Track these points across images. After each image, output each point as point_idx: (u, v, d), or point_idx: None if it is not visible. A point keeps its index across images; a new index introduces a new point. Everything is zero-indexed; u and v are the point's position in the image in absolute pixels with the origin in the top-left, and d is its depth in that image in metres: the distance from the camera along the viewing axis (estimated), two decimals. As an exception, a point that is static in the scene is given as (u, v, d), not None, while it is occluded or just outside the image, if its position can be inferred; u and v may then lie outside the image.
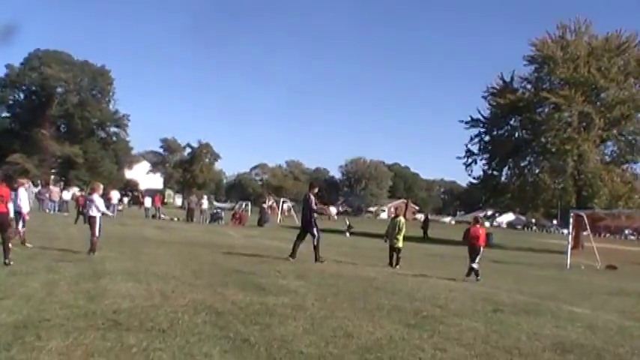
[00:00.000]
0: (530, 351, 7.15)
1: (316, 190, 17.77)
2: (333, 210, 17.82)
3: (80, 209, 30.38)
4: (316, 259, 16.31)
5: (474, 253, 15.26)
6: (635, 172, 44.33)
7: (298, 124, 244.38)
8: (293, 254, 16.56)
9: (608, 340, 8.14)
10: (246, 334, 6.92)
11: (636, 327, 9.52)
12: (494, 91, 45.84)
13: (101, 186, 17.05)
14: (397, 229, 17.51)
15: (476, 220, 16.61)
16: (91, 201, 15.65)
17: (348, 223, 45.29)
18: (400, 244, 17.44)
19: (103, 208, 15.74)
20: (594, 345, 7.76)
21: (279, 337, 6.89)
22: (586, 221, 29.91)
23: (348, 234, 40.96)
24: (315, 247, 16.60)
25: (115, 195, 44.07)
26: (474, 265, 15.11)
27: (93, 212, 15.46)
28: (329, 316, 8.46)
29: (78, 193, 47.46)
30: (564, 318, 9.86)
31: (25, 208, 16.23)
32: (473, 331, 8.12)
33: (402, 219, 18.08)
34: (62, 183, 78.01)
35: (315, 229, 16.78)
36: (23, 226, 16.15)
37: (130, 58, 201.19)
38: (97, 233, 15.05)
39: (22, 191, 16.83)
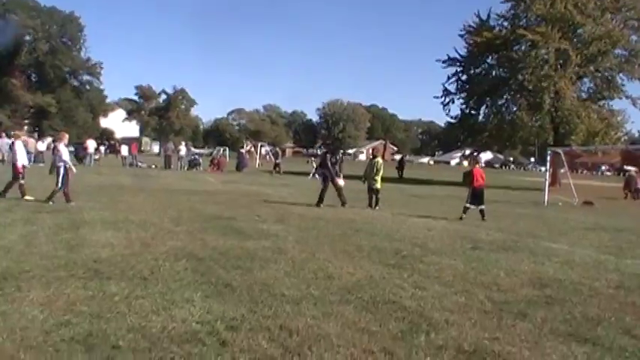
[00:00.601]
0: (509, 287, 7.30)
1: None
2: (341, 182, 17.92)
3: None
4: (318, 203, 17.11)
5: (482, 195, 15.53)
6: (611, 109, 44.62)
7: (274, 67, 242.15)
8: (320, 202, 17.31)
9: (584, 274, 8.32)
10: (227, 279, 6.97)
11: (611, 261, 9.73)
12: (471, 29, 45.51)
13: (66, 135, 16.70)
14: (375, 170, 17.54)
15: (476, 161, 16.76)
16: (57, 150, 15.42)
17: (315, 165, 45.27)
18: (378, 185, 17.51)
19: (66, 157, 15.45)
20: (571, 279, 7.94)
21: (260, 281, 6.96)
22: (563, 158, 30.17)
23: (316, 176, 41.03)
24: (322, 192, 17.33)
25: (91, 144, 43.65)
26: (483, 207, 15.40)
27: (57, 162, 15.33)
28: (309, 259, 8.54)
29: (53, 143, 46.83)
30: (542, 254, 10.04)
31: (21, 162, 15.84)
32: (452, 269, 8.25)
33: (379, 160, 18.09)
34: (36, 133, 76.86)
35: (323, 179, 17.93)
36: (22, 178, 15.73)
37: (99, 3, 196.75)
38: (59, 183, 14.92)
39: (18, 144, 16.51)
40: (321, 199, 17.11)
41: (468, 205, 15.47)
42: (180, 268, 7.54)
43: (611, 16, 41.77)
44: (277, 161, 43.80)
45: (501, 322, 5.64)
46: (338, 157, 18.70)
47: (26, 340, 4.58)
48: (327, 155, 18.50)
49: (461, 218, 15.11)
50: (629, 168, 39.35)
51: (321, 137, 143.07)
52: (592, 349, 4.98)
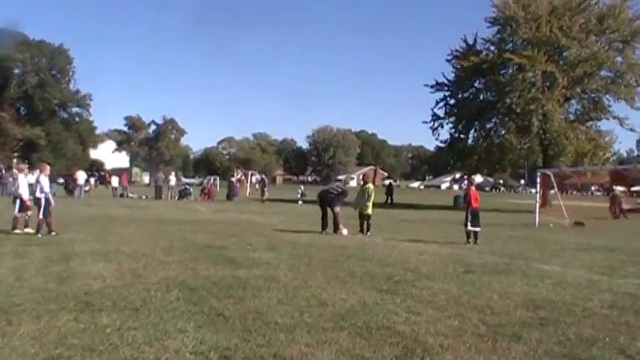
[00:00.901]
0: (502, 309, 7.29)
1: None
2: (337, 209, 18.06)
3: None
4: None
5: (478, 216, 15.61)
6: (599, 130, 44.99)
7: (263, 96, 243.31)
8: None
9: (577, 295, 8.32)
10: (220, 308, 6.94)
11: (604, 281, 9.74)
12: (458, 54, 46.01)
13: (47, 167, 16.70)
14: (367, 196, 17.58)
15: (471, 182, 16.93)
16: (37, 182, 15.48)
17: (300, 190, 45.28)
18: (370, 210, 17.54)
19: (47, 189, 15.48)
20: (564, 300, 7.94)
21: (253, 310, 6.92)
22: (553, 180, 30.36)
23: (300, 202, 41.05)
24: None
25: (81, 176, 43.59)
26: (479, 229, 15.48)
27: (37, 193, 15.33)
28: (302, 286, 8.51)
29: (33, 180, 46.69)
30: (534, 276, 10.05)
31: (25, 195, 15.83)
32: (445, 293, 8.24)
33: (370, 186, 18.14)
34: (26, 167, 76.60)
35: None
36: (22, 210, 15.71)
37: (87, 36, 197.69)
38: (41, 214, 14.99)
39: (21, 177, 16.50)
40: (324, 225, 17.40)
41: (470, 227, 15.50)
42: (173, 298, 7.49)
43: (596, 38, 42.34)
44: (264, 189, 43.82)
45: (496, 344, 5.62)
46: (341, 187, 19.10)
47: (17, 375, 4.53)
48: (333, 189, 18.72)
49: (468, 241, 15.19)
50: (618, 188, 39.65)
51: (311, 164, 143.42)
52: (587, 370, 4.97)
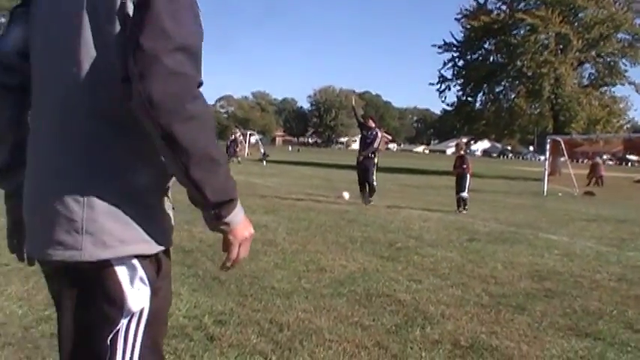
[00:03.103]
0: (507, 279, 7.32)
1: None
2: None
3: None
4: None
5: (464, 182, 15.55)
6: (613, 96, 44.81)
7: (264, 52, 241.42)
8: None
9: (585, 267, 8.35)
10: (215, 272, 6.95)
11: (613, 253, 9.77)
12: (468, 12, 45.65)
13: None
14: None
15: (460, 147, 16.86)
16: None
17: (262, 151, 45.27)
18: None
19: None
20: (572, 272, 7.96)
21: (249, 274, 6.94)
22: (563, 147, 30.28)
23: (264, 162, 41.11)
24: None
25: None
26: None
27: None
28: (301, 251, 8.54)
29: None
30: (541, 246, 10.08)
31: None
32: (448, 261, 8.27)
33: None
34: None
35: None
36: None
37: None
38: None
39: None
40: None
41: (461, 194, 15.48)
42: (166, 260, 7.50)
43: (614, -2, 41.89)
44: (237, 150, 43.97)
45: (499, 316, 5.65)
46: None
47: (4, 337, 4.55)
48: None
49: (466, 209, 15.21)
50: (631, 157, 39.94)
51: (312, 125, 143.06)
52: (593, 343, 4.99)
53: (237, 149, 44.57)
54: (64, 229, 1.63)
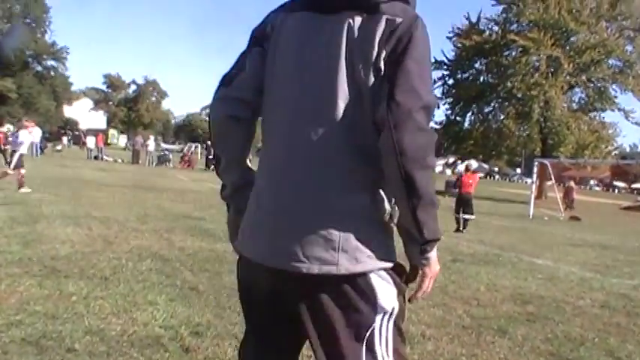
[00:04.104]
0: (489, 302, 7.33)
1: None
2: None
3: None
4: None
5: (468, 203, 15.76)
6: (602, 121, 45.19)
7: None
8: None
9: (568, 292, 8.39)
10: (194, 282, 6.93)
11: (597, 279, 9.83)
12: (460, 31, 45.99)
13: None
14: None
15: (467, 168, 17.08)
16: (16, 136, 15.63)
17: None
18: None
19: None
20: (554, 297, 8.00)
21: (229, 285, 6.90)
22: (550, 171, 30.52)
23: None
24: None
25: (36, 132, 41.09)
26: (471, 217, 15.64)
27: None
28: (282, 265, 8.50)
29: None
30: (525, 269, 10.13)
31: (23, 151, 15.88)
32: (431, 281, 8.25)
33: None
34: (-6, 120, 75.76)
35: None
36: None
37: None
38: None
39: (22, 133, 16.47)
40: None
41: (461, 215, 15.64)
42: (145, 268, 7.47)
43: (607, 24, 42.41)
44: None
45: (480, 338, 5.66)
46: None
47: (-26, 340, 4.50)
48: None
49: (458, 229, 15.36)
50: (618, 184, 40.27)
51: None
52: (574, 369, 5.02)
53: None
54: (323, 247, 1.93)
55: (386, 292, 1.99)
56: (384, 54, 1.93)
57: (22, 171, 15.66)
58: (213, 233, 11.03)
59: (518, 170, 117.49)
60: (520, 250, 12.71)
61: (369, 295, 1.96)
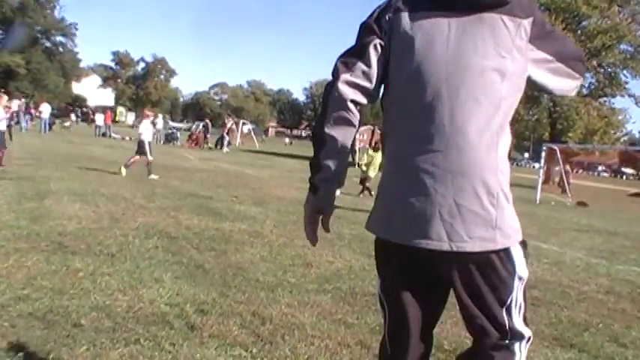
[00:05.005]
0: (494, 285, 7.32)
1: None
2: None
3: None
4: None
5: None
6: (612, 107, 44.89)
7: (261, 41, 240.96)
8: None
9: (573, 277, 8.38)
10: (200, 260, 6.96)
11: (603, 264, 9.82)
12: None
13: (4, 97, 17.32)
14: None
15: None
16: None
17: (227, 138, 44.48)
18: (370, 173, 17.80)
19: None
20: (560, 282, 7.99)
21: (234, 264, 6.95)
22: (559, 156, 30.39)
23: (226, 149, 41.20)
24: None
25: (45, 108, 41.75)
26: None
27: None
28: (288, 244, 8.55)
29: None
30: (530, 254, 10.09)
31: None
32: (436, 264, 8.26)
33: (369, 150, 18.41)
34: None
35: None
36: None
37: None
38: None
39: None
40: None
41: None
42: (151, 246, 7.50)
43: (619, 9, 41.89)
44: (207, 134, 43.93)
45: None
46: None
47: (-19, 314, 4.54)
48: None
49: None
50: (626, 170, 40.06)
51: (306, 119, 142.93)
52: (577, 355, 5.02)
53: (229, 138, 44.49)
54: (482, 226, 2.18)
55: (521, 261, 2.31)
56: (525, 47, 2.22)
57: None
58: (220, 212, 11.06)
59: (527, 155, 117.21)
60: (526, 235, 12.40)
61: (510, 266, 2.26)
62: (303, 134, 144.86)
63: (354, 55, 2.27)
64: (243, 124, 62.26)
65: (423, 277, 2.31)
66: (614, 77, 43.27)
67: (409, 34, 2.22)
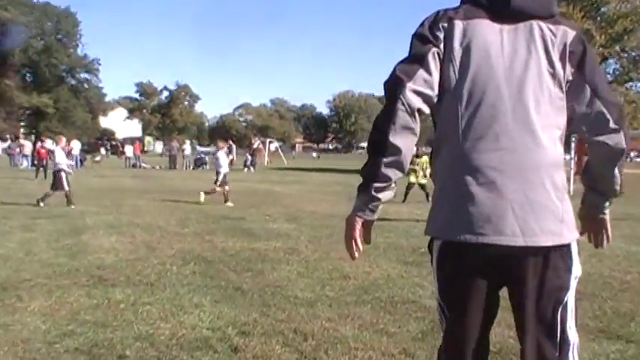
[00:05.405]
0: (534, 282, 7.24)
1: None
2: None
3: (43, 162, 29.48)
4: None
5: None
6: (639, 91, 44.23)
7: (281, 59, 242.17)
8: None
9: (614, 267, 8.26)
10: (238, 282, 6.99)
11: (643, 251, 9.66)
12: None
13: (63, 138, 17.58)
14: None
15: None
16: (52, 154, 15.97)
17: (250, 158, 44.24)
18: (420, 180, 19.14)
19: (60, 159, 16.06)
20: (601, 273, 7.87)
21: (272, 283, 6.97)
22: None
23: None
24: None
25: (75, 145, 41.95)
26: None
27: (55, 166, 15.95)
28: (323, 258, 8.55)
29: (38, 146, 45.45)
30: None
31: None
32: (474, 265, 8.20)
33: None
34: (33, 136, 77.08)
35: None
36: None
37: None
38: (65, 186, 15.36)
39: (58, 150, 16.78)
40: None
41: None
42: (189, 271, 7.57)
43: (638, -9, 41.36)
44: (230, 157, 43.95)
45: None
46: None
47: (29, 353, 4.61)
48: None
49: None
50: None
51: (332, 131, 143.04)
52: (625, 346, 4.94)
53: (254, 158, 44.56)
54: (552, 221, 2.24)
55: (577, 259, 2.35)
56: (570, 57, 2.33)
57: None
58: (254, 232, 11.12)
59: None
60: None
61: (569, 262, 2.32)
62: (330, 147, 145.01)
63: (414, 63, 2.32)
64: (270, 142, 62.59)
65: (491, 276, 2.33)
66: (638, 61, 42.65)
67: (465, 41, 2.32)
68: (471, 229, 2.24)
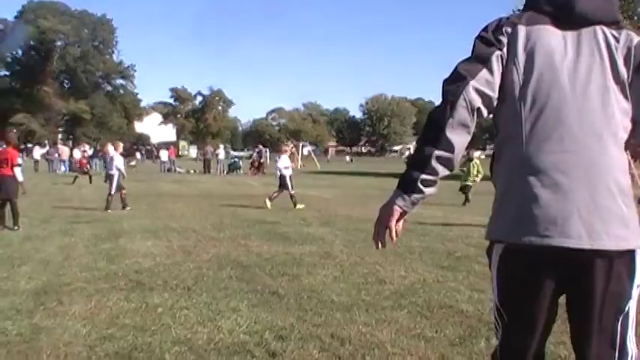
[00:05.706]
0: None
1: None
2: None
3: (86, 169, 30.71)
4: None
5: None
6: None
7: (314, 63, 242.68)
8: None
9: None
10: (274, 286, 7.01)
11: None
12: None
13: (120, 144, 18.51)
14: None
15: None
16: (111, 159, 16.31)
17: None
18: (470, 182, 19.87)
19: (120, 165, 16.65)
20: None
21: (308, 288, 6.97)
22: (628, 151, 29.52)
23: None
24: None
25: (111, 150, 42.11)
26: None
27: (112, 170, 16.35)
28: (359, 263, 8.53)
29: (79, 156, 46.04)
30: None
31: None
32: (511, 270, 8.11)
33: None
34: (70, 141, 78.33)
35: None
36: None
37: (131, 5, 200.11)
38: (112, 190, 15.58)
39: (117, 156, 17.12)
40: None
41: None
42: (225, 276, 7.60)
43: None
44: (261, 160, 43.90)
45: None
46: None
47: (70, 356, 4.67)
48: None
49: None
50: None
51: (365, 134, 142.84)
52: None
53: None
54: (617, 225, 2.18)
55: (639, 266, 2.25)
56: (634, 61, 2.32)
57: (124, 191, 16.22)
58: (289, 236, 11.14)
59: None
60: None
61: (630, 269, 2.24)
62: (363, 150, 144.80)
63: (478, 63, 2.32)
64: (303, 146, 62.69)
65: (554, 281, 2.28)
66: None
67: (529, 46, 2.33)
68: (536, 231, 2.19)
